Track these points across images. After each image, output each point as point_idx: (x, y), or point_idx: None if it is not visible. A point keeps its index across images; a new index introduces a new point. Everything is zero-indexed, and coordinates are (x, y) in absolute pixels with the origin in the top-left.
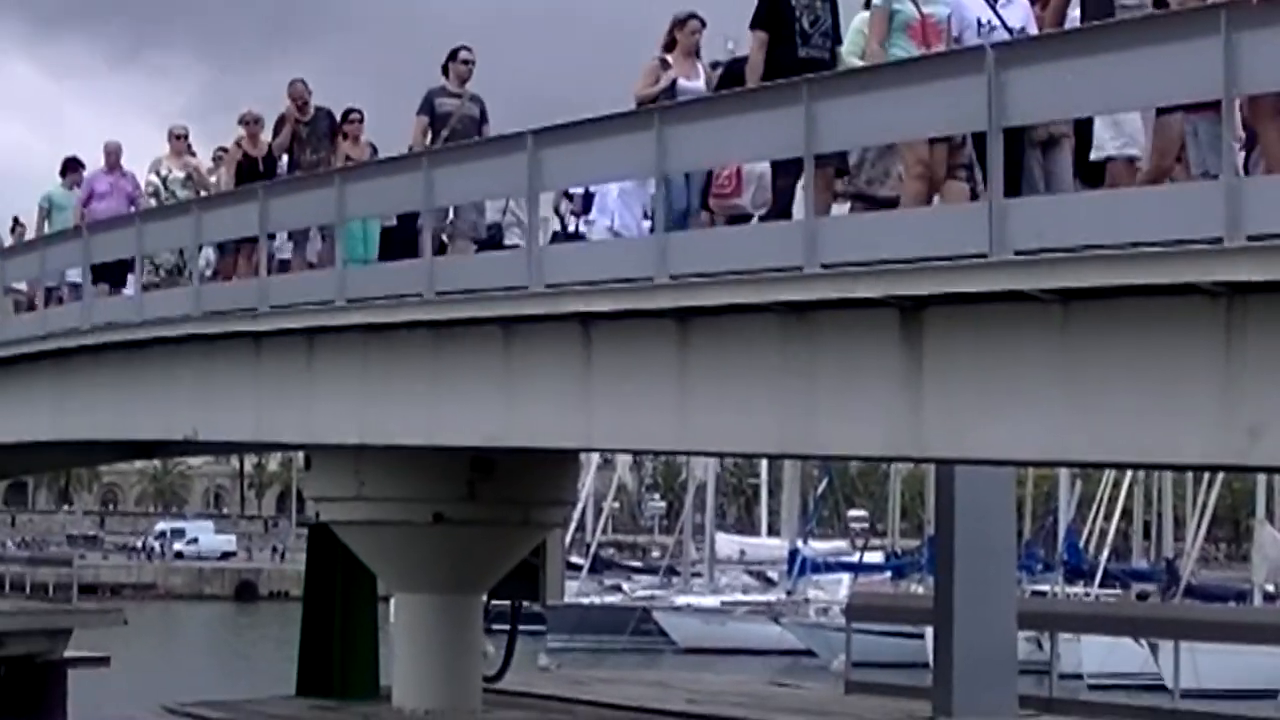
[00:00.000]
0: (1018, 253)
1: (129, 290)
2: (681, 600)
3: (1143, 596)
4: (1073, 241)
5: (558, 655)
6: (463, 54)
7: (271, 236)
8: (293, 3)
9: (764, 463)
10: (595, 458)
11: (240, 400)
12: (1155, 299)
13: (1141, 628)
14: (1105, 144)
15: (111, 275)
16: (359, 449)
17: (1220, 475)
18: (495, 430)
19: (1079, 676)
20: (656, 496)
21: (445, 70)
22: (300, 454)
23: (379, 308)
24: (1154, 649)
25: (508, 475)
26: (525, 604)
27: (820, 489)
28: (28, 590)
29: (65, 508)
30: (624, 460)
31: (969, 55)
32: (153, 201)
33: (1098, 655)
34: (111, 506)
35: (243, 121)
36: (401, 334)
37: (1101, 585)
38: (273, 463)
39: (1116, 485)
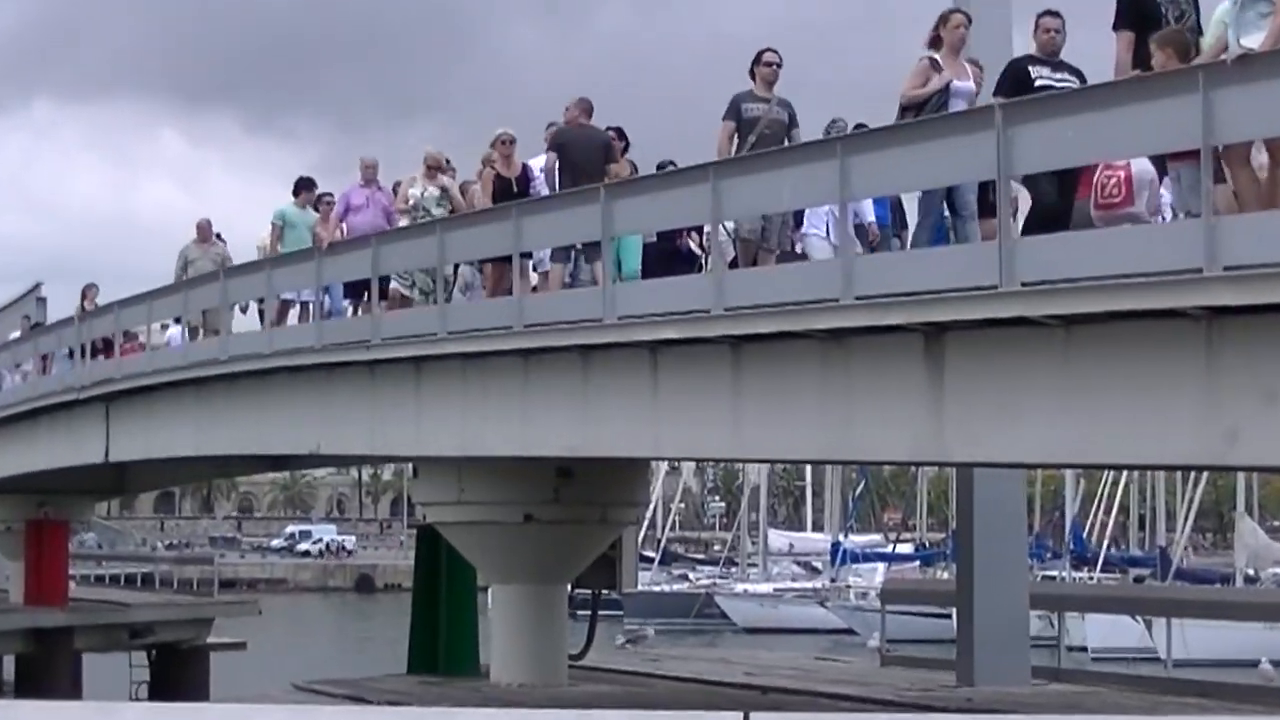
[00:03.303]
0: (1024, 284)
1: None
2: (740, 587)
3: (1139, 580)
4: (1072, 274)
5: (632, 635)
6: (767, 55)
7: (527, 255)
8: (405, 76)
9: (808, 468)
10: (663, 465)
11: (357, 418)
12: (1145, 322)
13: (1138, 607)
14: None
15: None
16: (460, 460)
17: (1205, 474)
18: (576, 442)
19: (1084, 649)
20: (717, 498)
21: (751, 74)
22: (410, 465)
23: (476, 338)
24: (1149, 625)
25: (587, 480)
26: (604, 591)
27: (858, 490)
28: (175, 586)
29: (208, 514)
30: (688, 467)
31: (974, 117)
32: (403, 220)
33: (1100, 631)
34: (247, 513)
35: (497, 142)
36: (495, 361)
37: (1103, 570)
38: (387, 472)
39: (1115, 483)
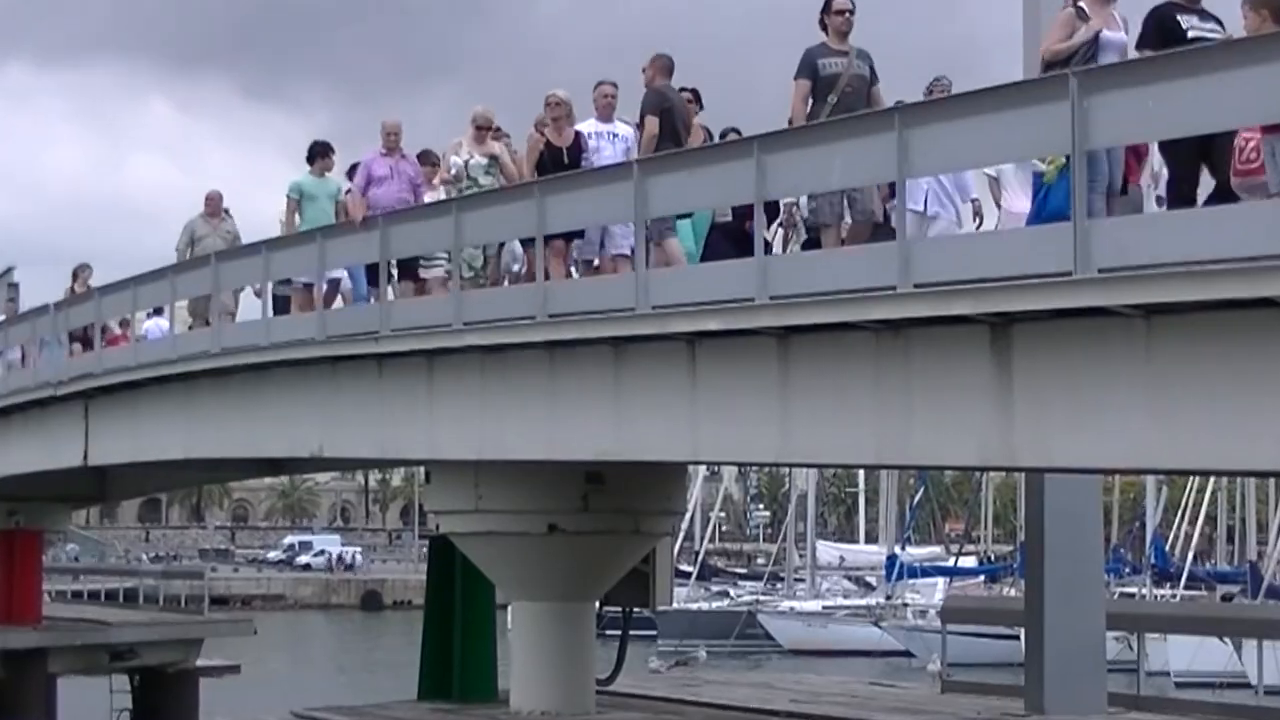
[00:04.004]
0: (1101, 270)
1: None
2: (785, 604)
3: (1227, 598)
4: (1154, 259)
5: (667, 658)
6: (838, 2)
7: (577, 235)
8: (417, 38)
9: (861, 473)
10: (702, 470)
11: (364, 418)
12: (1235, 312)
13: (1226, 627)
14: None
15: (406, 272)
16: (477, 464)
17: None
18: (607, 445)
19: (1166, 674)
20: (761, 506)
21: (822, 25)
22: (421, 469)
23: (495, 329)
24: (1238, 647)
25: (619, 487)
26: (636, 610)
27: (916, 498)
28: (161, 602)
29: (197, 523)
30: (730, 472)
31: (1047, 85)
32: (447, 191)
33: (1184, 654)
34: (242, 522)
35: (549, 103)
36: (517, 354)
37: (1187, 587)
38: (396, 478)
39: (1200, 491)
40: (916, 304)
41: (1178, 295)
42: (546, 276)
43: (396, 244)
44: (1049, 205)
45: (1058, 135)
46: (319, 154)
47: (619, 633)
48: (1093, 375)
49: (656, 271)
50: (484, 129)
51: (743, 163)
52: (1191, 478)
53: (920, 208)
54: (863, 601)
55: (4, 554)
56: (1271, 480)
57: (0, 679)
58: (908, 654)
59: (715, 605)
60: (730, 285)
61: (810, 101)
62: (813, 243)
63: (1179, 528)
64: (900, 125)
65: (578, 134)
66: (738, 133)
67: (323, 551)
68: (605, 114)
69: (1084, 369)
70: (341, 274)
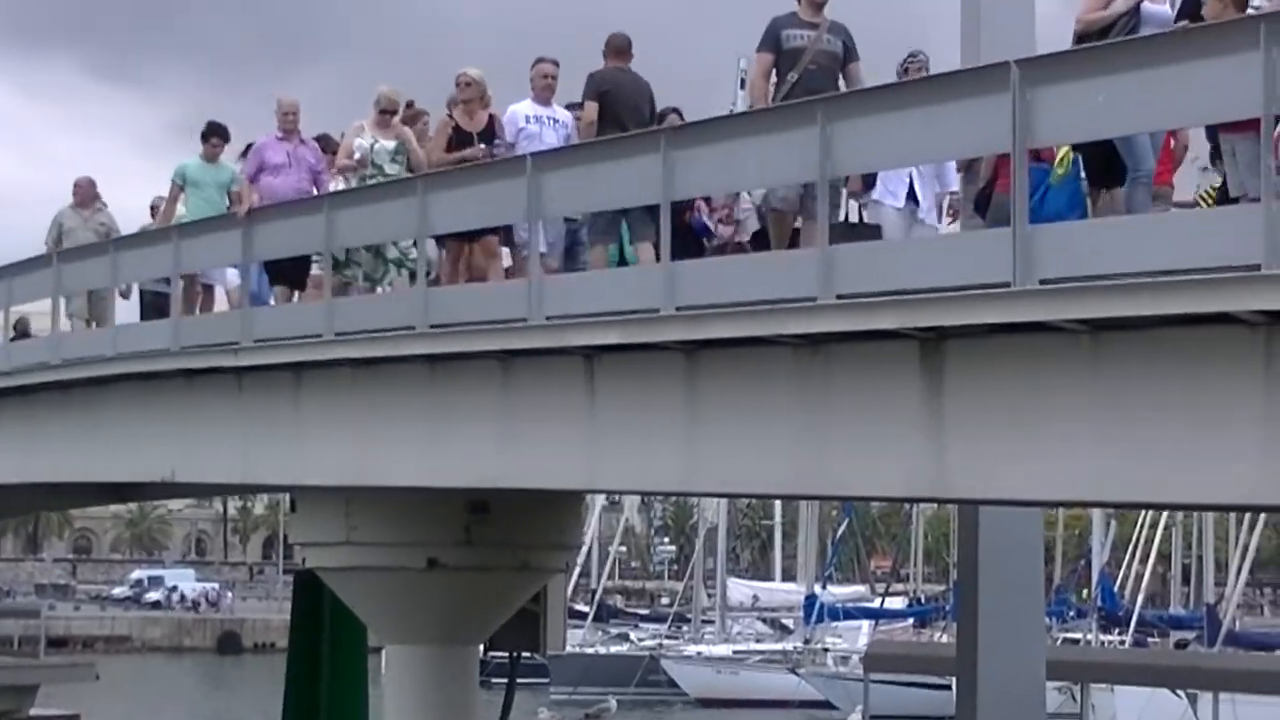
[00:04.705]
0: (1044, 281)
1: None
2: (692, 649)
3: (1181, 645)
4: (1101, 269)
5: (561, 708)
6: None
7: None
8: (288, 12)
9: (778, 504)
10: (600, 499)
11: (222, 439)
12: (1190, 329)
13: (1180, 678)
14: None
15: (290, 276)
16: (349, 490)
17: (1263, 516)
18: (493, 471)
19: None
20: (666, 540)
21: None
22: (287, 496)
23: (370, 341)
24: (1193, 700)
25: (506, 518)
26: (525, 654)
27: (839, 531)
28: None
29: (33, 555)
30: (631, 501)
31: (985, 75)
32: (346, 180)
33: (1133, 707)
34: (84, 554)
35: (459, 84)
36: (394, 369)
37: (1136, 632)
38: (259, 505)
39: (1153, 527)
40: (839, 317)
41: (1128, 309)
42: (431, 282)
43: (262, 244)
44: (1046, 207)
45: (997, 131)
46: (213, 134)
47: (505, 680)
48: (1034, 397)
49: (551, 279)
50: (388, 112)
51: (649, 158)
52: (1143, 512)
53: (900, 203)
54: (778, 646)
55: None
56: (1231, 516)
57: None
58: (828, 705)
59: (614, 649)
60: (634, 294)
61: (774, 77)
62: (763, 234)
63: (1129, 566)
64: (824, 119)
65: (492, 117)
66: (678, 114)
67: (175, 587)
68: (544, 96)
69: (1024, 390)
70: (227, 273)
